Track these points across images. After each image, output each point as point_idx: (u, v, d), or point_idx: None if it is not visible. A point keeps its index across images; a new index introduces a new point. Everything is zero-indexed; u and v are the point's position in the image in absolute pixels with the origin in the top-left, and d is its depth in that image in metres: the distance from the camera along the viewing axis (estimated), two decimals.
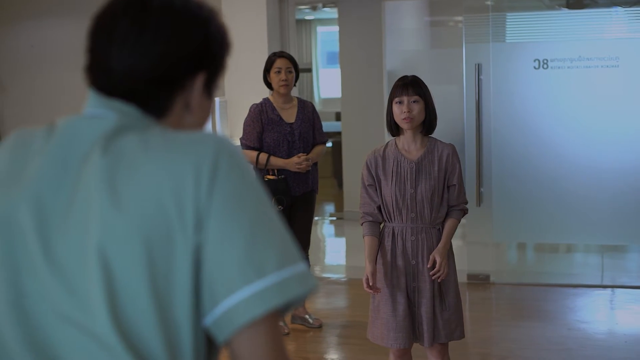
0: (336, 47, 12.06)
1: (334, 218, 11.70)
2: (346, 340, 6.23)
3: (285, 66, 6.17)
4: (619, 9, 8.75)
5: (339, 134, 11.37)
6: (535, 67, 7.41)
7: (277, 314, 1.39)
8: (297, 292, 1.38)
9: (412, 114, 4.24)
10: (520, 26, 8.12)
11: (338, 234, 11.22)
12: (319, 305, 7.03)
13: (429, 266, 4.26)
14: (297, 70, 6.29)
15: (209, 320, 1.37)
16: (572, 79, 7.38)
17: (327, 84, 16.16)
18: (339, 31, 10.59)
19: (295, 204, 6.22)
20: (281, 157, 6.11)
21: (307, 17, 15.87)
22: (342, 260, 9.72)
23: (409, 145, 4.34)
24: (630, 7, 9.08)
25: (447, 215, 4.37)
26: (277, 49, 7.41)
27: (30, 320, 1.39)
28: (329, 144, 12.19)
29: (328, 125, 13.72)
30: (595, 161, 7.40)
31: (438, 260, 4.23)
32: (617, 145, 7.36)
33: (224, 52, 1.57)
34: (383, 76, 9.98)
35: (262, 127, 6.12)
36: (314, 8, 14.13)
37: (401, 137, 4.37)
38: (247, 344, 1.36)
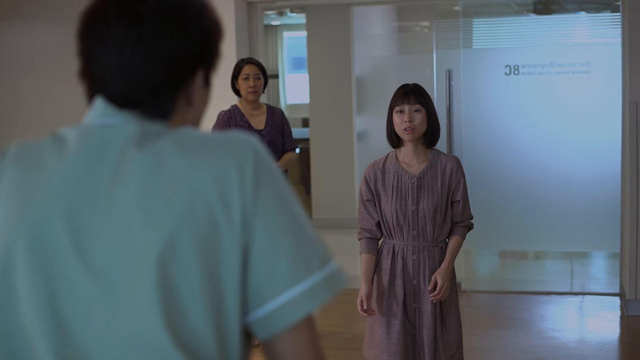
0: (302, 53, 11.99)
1: None
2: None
3: (254, 73, 6.08)
4: (583, 14, 8.75)
5: (306, 140, 11.28)
6: (506, 73, 7.37)
7: (314, 315, 1.42)
8: (338, 287, 1.42)
9: (413, 124, 4.00)
10: (491, 32, 8.09)
11: None
12: None
13: (430, 288, 4.03)
14: (266, 77, 6.20)
15: (251, 318, 1.39)
16: (543, 85, 7.35)
17: (293, 90, 16.07)
18: (307, 37, 10.51)
19: None
20: None
21: (274, 23, 15.77)
22: None
23: (410, 158, 4.10)
24: (597, 12, 9.10)
25: (450, 232, 4.14)
26: (245, 55, 7.31)
27: (71, 338, 1.36)
28: (297, 150, 12.09)
29: (295, 132, 13.61)
30: (566, 168, 7.38)
31: (439, 282, 4.00)
32: (587, 152, 7.34)
33: (219, 41, 1.54)
34: (351, 82, 9.91)
35: None
36: (281, 13, 14.03)
37: (402, 149, 4.13)
38: (291, 342, 1.39)
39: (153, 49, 1.43)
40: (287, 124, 6.31)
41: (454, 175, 4.07)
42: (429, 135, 4.08)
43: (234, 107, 6.13)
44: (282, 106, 15.79)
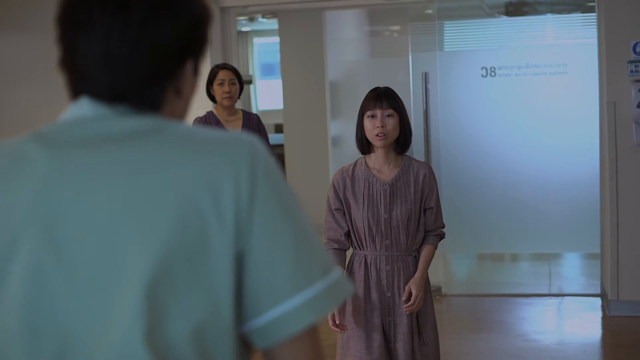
0: (273, 59, 11.92)
1: None
2: None
3: (229, 78, 6.01)
4: (555, 15, 8.75)
5: (279, 146, 11.21)
6: (482, 75, 7.33)
7: (317, 324, 1.35)
8: (341, 298, 1.36)
9: (386, 129, 3.84)
10: (466, 34, 8.05)
11: None
12: None
13: (404, 298, 3.87)
14: (241, 82, 6.13)
15: (248, 327, 1.34)
16: (520, 86, 7.33)
17: (265, 96, 15.98)
18: (280, 42, 10.44)
19: None
20: None
21: (244, 29, 15.69)
22: None
23: (381, 164, 3.94)
24: (568, 13, 9.10)
25: (423, 241, 3.99)
26: (219, 61, 7.22)
27: (52, 348, 1.30)
28: None
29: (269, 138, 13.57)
30: (544, 169, 7.35)
31: (414, 292, 3.84)
32: (564, 154, 7.32)
33: (207, 28, 1.44)
34: (325, 86, 9.85)
35: None
36: (251, 19, 13.95)
37: (372, 155, 3.96)
38: (291, 353, 1.34)
39: (141, 38, 1.34)
40: (264, 129, 6.24)
41: (427, 181, 3.93)
42: (401, 141, 3.93)
43: (210, 113, 6.05)
44: (254, 112, 15.72)
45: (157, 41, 1.35)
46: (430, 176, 3.96)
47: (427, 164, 4.04)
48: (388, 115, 3.86)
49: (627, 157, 6.51)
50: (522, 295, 7.38)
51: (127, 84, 1.35)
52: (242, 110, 6.24)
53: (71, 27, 1.37)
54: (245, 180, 1.31)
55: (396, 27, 10.88)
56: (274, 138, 12.68)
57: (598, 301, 7.04)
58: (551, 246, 7.80)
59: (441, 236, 4.05)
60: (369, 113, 3.88)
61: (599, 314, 6.74)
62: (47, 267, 1.29)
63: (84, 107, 1.37)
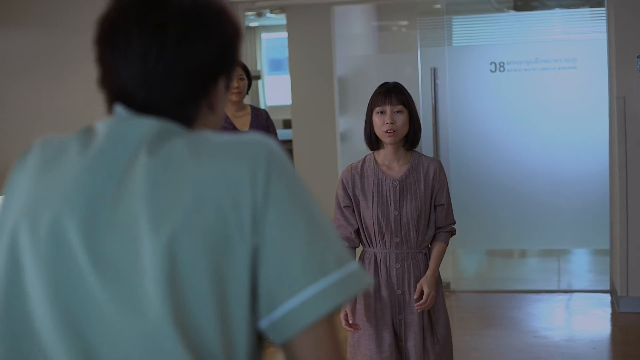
0: (281, 54, 11.90)
1: None
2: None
3: (237, 73, 5.97)
4: (563, 10, 8.72)
5: (287, 142, 11.19)
6: (491, 70, 7.30)
7: (333, 314, 1.37)
8: (357, 289, 1.38)
9: (395, 125, 3.78)
10: (475, 29, 8.02)
11: None
12: None
13: (416, 297, 3.80)
14: (250, 78, 6.10)
15: (265, 322, 1.36)
16: (529, 81, 7.29)
17: (273, 92, 15.96)
18: (288, 37, 10.41)
19: None
20: None
21: (252, 24, 15.67)
22: None
23: (391, 161, 3.88)
24: (577, 8, 9.07)
25: (434, 239, 3.93)
26: None
27: (79, 332, 1.34)
28: None
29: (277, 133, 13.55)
30: (553, 165, 7.32)
31: (426, 290, 3.78)
32: (574, 149, 7.29)
33: (239, 46, 1.51)
34: (333, 82, 9.83)
35: None
36: (259, 14, 13.93)
37: (381, 151, 3.90)
38: (309, 344, 1.35)
39: (177, 58, 1.41)
40: (272, 124, 6.22)
41: (437, 177, 3.87)
42: (411, 137, 3.87)
43: None
44: (262, 108, 15.70)
45: (192, 61, 1.42)
46: (441, 172, 3.90)
47: (437, 160, 3.97)
48: (397, 112, 3.80)
49: (637, 152, 6.47)
50: (531, 291, 7.35)
51: (162, 101, 1.43)
52: (251, 106, 6.21)
53: (110, 47, 1.43)
54: (261, 176, 1.36)
55: (404, 22, 10.87)
56: (282, 134, 12.67)
57: (607, 297, 7.01)
58: (560, 242, 7.77)
59: (452, 233, 3.98)
60: (378, 109, 3.83)
61: (609, 310, 6.71)
62: (77, 251, 1.35)
63: (119, 112, 1.45)
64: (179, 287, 1.32)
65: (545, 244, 7.91)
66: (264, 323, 1.37)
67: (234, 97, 5.95)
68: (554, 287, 7.51)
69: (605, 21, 6.95)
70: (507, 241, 7.88)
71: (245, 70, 6.06)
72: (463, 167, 7.38)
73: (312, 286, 1.34)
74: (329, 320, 1.37)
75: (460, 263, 8.37)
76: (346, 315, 3.79)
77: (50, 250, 1.37)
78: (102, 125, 1.45)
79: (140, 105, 1.43)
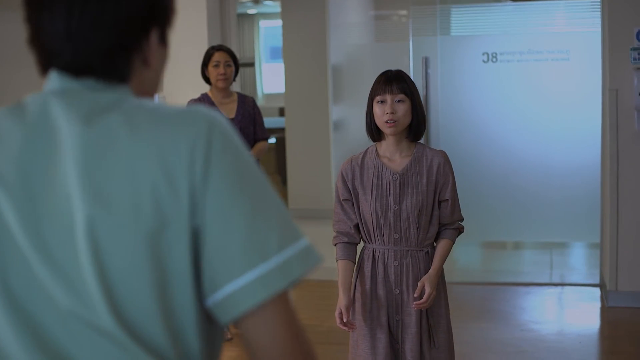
0: (279, 42, 11.85)
1: None
2: None
3: (224, 60, 5.92)
4: (553, 2, 8.65)
5: (282, 129, 11.16)
6: (484, 61, 7.25)
7: (286, 292, 1.33)
8: (300, 271, 1.33)
9: (396, 115, 3.57)
10: (468, 19, 7.96)
11: None
12: None
13: (416, 295, 3.57)
14: (237, 65, 6.05)
15: (209, 302, 1.33)
16: (521, 72, 7.25)
17: (270, 79, 15.91)
18: (283, 25, 10.38)
19: None
20: None
21: (250, 11, 15.60)
22: None
23: (392, 153, 3.68)
24: None
25: (438, 236, 3.71)
26: (217, 44, 7.15)
27: (31, 319, 1.32)
28: (273, 140, 11.95)
29: (272, 121, 13.48)
30: (545, 157, 7.27)
31: (427, 290, 3.53)
32: (566, 141, 7.24)
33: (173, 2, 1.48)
34: (327, 70, 9.78)
35: None
36: (257, 1, 13.88)
37: (383, 142, 3.70)
38: (260, 325, 1.33)
39: (101, 11, 1.36)
40: (259, 112, 6.16)
41: (441, 171, 3.66)
42: (414, 128, 3.65)
43: (204, 96, 5.98)
44: (259, 95, 15.64)
45: (117, 13, 1.37)
46: (445, 165, 3.68)
47: (443, 153, 3.74)
48: (399, 101, 3.59)
49: (629, 145, 6.41)
50: (522, 284, 7.30)
51: (90, 56, 1.37)
52: (238, 93, 6.15)
53: (36, 6, 1.39)
54: (200, 154, 1.31)
55: (403, 12, 10.80)
56: (278, 121, 12.63)
57: (598, 291, 6.96)
58: (553, 235, 7.73)
59: (460, 230, 3.75)
60: (378, 98, 3.62)
61: (598, 304, 6.66)
62: (15, 232, 1.32)
63: (54, 82, 1.40)
64: (113, 280, 1.29)
65: (538, 236, 7.87)
66: (208, 302, 1.34)
67: (220, 84, 5.90)
68: (546, 280, 7.44)
69: (599, 13, 6.88)
70: (499, 233, 7.84)
71: (233, 56, 6.00)
72: (454, 158, 7.20)
73: (250, 272, 1.30)
74: (280, 302, 1.33)
75: (452, 255, 8.31)
76: (341, 313, 3.57)
77: None
78: (32, 100, 1.41)
79: (69, 63, 1.38)
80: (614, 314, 6.40)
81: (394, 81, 3.62)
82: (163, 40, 1.46)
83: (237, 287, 1.30)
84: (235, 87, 6.69)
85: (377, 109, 3.62)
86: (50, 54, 1.40)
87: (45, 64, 1.42)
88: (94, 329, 1.30)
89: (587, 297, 6.89)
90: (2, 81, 7.64)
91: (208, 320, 1.37)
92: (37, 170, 1.33)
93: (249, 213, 1.32)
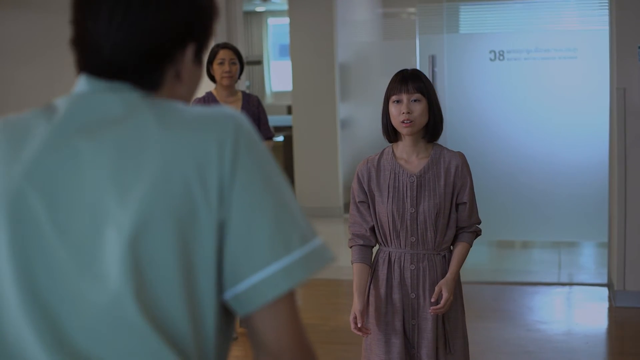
0: (287, 40, 11.82)
1: None
2: None
3: (229, 58, 5.90)
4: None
5: (290, 127, 11.13)
6: (491, 59, 7.21)
7: (294, 290, 1.41)
8: (319, 266, 1.41)
9: (412, 115, 3.49)
10: (475, 17, 7.92)
11: None
12: None
13: (433, 299, 3.50)
14: (242, 63, 6.02)
15: (229, 294, 1.39)
16: (528, 70, 7.20)
17: (279, 77, 15.86)
18: (290, 23, 10.34)
19: None
20: None
21: (258, 9, 15.57)
22: None
23: (409, 154, 3.60)
24: None
25: (455, 239, 3.64)
26: (223, 41, 7.13)
27: (45, 305, 1.37)
28: (281, 138, 11.91)
29: (280, 119, 13.45)
30: (553, 155, 7.23)
31: (445, 294, 3.46)
32: (574, 139, 7.19)
33: (212, 20, 1.55)
34: (335, 68, 9.75)
35: None
36: None
37: (399, 143, 3.62)
38: (269, 319, 1.39)
39: (139, 21, 1.44)
40: (264, 111, 6.13)
41: (459, 173, 3.58)
42: (431, 129, 3.57)
43: (209, 94, 5.96)
44: (267, 93, 15.62)
45: (154, 24, 1.45)
46: (464, 167, 3.61)
47: (461, 154, 3.66)
48: (414, 100, 3.52)
49: (636, 144, 6.36)
50: (530, 283, 7.25)
51: (126, 57, 1.45)
52: (242, 92, 6.13)
53: (83, 9, 1.48)
54: (229, 152, 1.38)
55: (411, 10, 10.77)
56: (286, 119, 12.60)
57: (605, 291, 6.91)
58: (562, 234, 7.67)
59: (477, 233, 3.69)
60: (394, 98, 3.54)
61: (606, 304, 6.61)
62: (44, 228, 1.38)
63: (83, 85, 1.48)
64: (143, 260, 1.35)
65: (546, 235, 7.82)
66: (227, 295, 1.40)
67: (224, 82, 5.87)
68: (554, 280, 7.39)
69: (607, 11, 6.83)
70: (507, 232, 7.78)
71: (238, 54, 5.98)
72: None
73: (275, 263, 1.37)
74: (290, 297, 1.40)
75: None
76: (355, 318, 3.52)
77: (17, 228, 1.39)
78: (63, 101, 1.47)
79: (104, 64, 1.45)
80: (622, 314, 6.35)
81: (409, 80, 3.54)
82: (198, 60, 1.53)
83: (262, 277, 1.37)
84: (242, 85, 6.67)
85: (392, 109, 3.54)
86: (90, 53, 1.47)
87: (83, 63, 1.49)
88: (117, 321, 1.35)
89: (595, 296, 6.85)
90: (7, 78, 7.63)
91: (223, 315, 1.43)
92: (63, 168, 1.39)
93: (273, 208, 1.39)
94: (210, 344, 1.41)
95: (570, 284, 7.23)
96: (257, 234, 1.38)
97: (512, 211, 7.39)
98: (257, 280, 1.37)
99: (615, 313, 6.40)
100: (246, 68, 15.10)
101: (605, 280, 7.10)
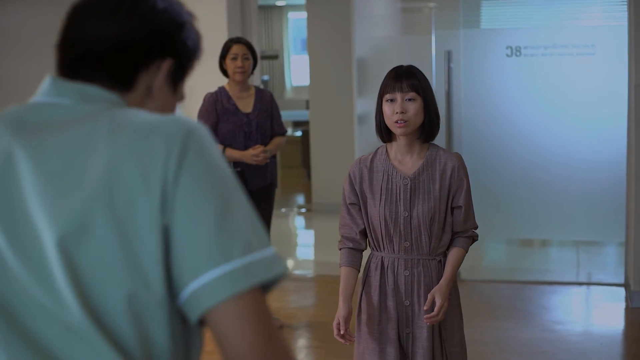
0: None
1: (304, 210, 11.35)
2: (309, 343, 5.93)
3: (242, 53, 5.84)
4: None
5: (307, 123, 11.09)
6: (507, 55, 7.11)
7: (254, 294, 1.38)
8: (263, 277, 1.39)
9: (406, 115, 3.32)
10: (492, 12, 7.84)
11: (307, 227, 10.89)
12: (283, 303, 6.72)
13: (426, 308, 3.35)
14: (255, 58, 5.96)
15: (180, 300, 1.40)
16: (546, 67, 7.10)
17: (299, 71, 15.81)
18: (308, 17, 10.31)
19: (253, 198, 5.84)
20: (237, 148, 5.76)
21: (278, 3, 15.53)
22: (310, 255, 9.39)
23: (403, 155, 3.44)
24: None
25: (451, 244, 3.48)
26: (236, 35, 7.07)
27: (12, 312, 1.40)
28: (299, 133, 11.87)
29: (299, 114, 13.39)
30: (570, 153, 7.13)
31: (438, 302, 3.32)
32: (593, 136, 7.09)
33: (195, 52, 1.61)
34: (352, 63, 9.68)
35: (217, 117, 5.78)
36: None
37: (393, 144, 3.45)
38: (222, 325, 1.38)
39: (126, 18, 1.52)
40: (277, 107, 6.06)
41: (455, 175, 3.42)
42: (426, 129, 3.40)
43: (221, 89, 5.90)
44: (287, 88, 15.57)
45: (139, 24, 1.53)
46: (460, 169, 3.43)
47: (457, 155, 3.49)
48: (409, 99, 3.34)
49: None
50: (547, 282, 7.17)
51: (102, 47, 1.52)
52: (255, 87, 6.07)
53: (77, 11, 1.57)
54: (175, 158, 1.38)
55: (433, 4, 10.67)
56: (304, 114, 12.54)
57: (623, 291, 6.81)
58: (581, 233, 7.57)
59: (473, 239, 3.53)
60: (387, 96, 3.37)
61: (623, 305, 6.52)
62: None
63: (45, 87, 1.53)
64: (80, 262, 1.36)
65: (565, 234, 7.72)
66: (179, 301, 1.40)
67: (237, 77, 5.82)
68: (572, 279, 7.30)
69: (625, 7, 6.73)
70: (525, 231, 7.69)
71: (251, 49, 5.91)
72: (477, 154, 7.20)
73: (212, 270, 1.36)
74: (243, 305, 1.37)
75: (477, 251, 8.18)
76: (338, 324, 3.38)
77: None
78: (9, 110, 1.51)
79: (83, 58, 1.52)
80: (638, 315, 6.26)
81: (404, 78, 3.36)
82: (173, 81, 1.59)
83: (200, 284, 1.36)
84: (256, 79, 6.59)
85: (386, 108, 3.38)
86: (69, 44, 1.55)
87: (60, 60, 1.56)
88: (65, 325, 1.37)
89: (612, 297, 6.75)
90: (12, 71, 7.61)
91: (183, 322, 1.43)
92: (9, 170, 1.42)
93: (216, 216, 1.38)
94: (164, 351, 1.41)
95: (588, 284, 7.15)
96: (196, 240, 1.37)
97: (531, 209, 7.30)
98: (196, 287, 1.37)
99: (631, 314, 6.31)
100: (266, 62, 15.12)
101: (622, 281, 7.00)
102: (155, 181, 1.37)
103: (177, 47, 1.57)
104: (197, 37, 1.63)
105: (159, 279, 1.38)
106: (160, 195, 1.37)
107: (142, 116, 1.45)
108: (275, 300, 6.62)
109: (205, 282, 1.36)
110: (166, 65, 1.55)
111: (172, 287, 1.40)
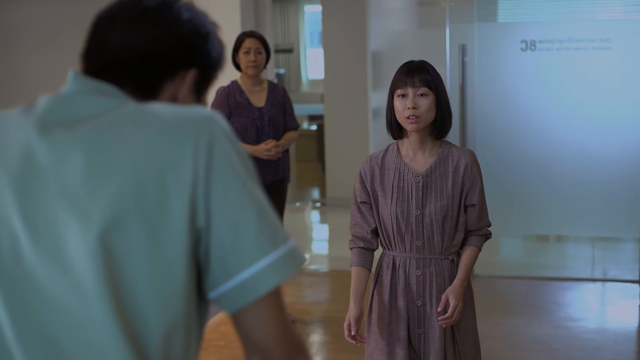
0: None
1: (318, 204, 11.33)
2: (321, 338, 5.91)
3: (255, 47, 5.81)
4: None
5: (321, 117, 11.05)
6: (522, 49, 7.05)
7: (280, 288, 1.45)
8: (300, 263, 1.45)
9: (418, 111, 3.26)
10: (507, 6, 7.77)
11: (321, 222, 10.87)
12: (296, 298, 6.71)
13: (440, 309, 3.30)
14: (268, 51, 5.93)
15: (216, 293, 1.43)
16: (561, 61, 7.04)
17: (315, 65, 15.77)
18: (322, 10, 10.27)
19: (265, 193, 5.84)
20: (249, 143, 5.75)
21: None
22: (324, 250, 9.37)
23: (415, 151, 3.38)
24: None
25: (464, 243, 3.43)
26: (250, 29, 7.05)
27: (25, 307, 1.39)
28: (314, 127, 11.83)
29: (315, 108, 13.35)
30: (586, 148, 7.06)
31: (452, 302, 3.26)
32: (609, 131, 7.02)
33: (219, 62, 1.63)
34: (367, 57, 9.64)
35: (229, 111, 5.76)
36: None
37: (405, 140, 3.40)
38: (257, 316, 1.43)
39: (152, 27, 1.54)
40: (289, 101, 6.04)
41: (468, 173, 3.35)
42: (438, 125, 3.34)
43: (234, 83, 5.88)
44: (304, 81, 15.54)
45: (165, 34, 1.55)
46: (473, 167, 3.37)
47: (470, 152, 3.42)
48: (421, 95, 3.28)
49: None
50: (562, 279, 7.12)
51: (128, 56, 1.53)
52: (268, 81, 6.04)
53: (102, 20, 1.58)
54: (203, 155, 1.40)
55: None
56: (319, 108, 12.51)
57: (638, 288, 6.76)
58: (598, 229, 7.50)
59: (487, 237, 3.47)
60: (399, 92, 3.30)
61: (637, 302, 6.47)
62: (16, 226, 1.40)
63: (70, 84, 1.53)
64: (114, 254, 1.36)
65: (581, 230, 7.65)
66: (214, 294, 1.43)
67: (250, 71, 5.80)
68: (587, 275, 7.25)
69: None
70: (539, 226, 7.63)
71: (264, 43, 5.89)
72: (491, 148, 7.15)
73: (264, 259, 1.40)
74: (277, 293, 1.44)
75: (493, 247, 8.14)
76: (349, 324, 3.33)
77: None
78: (45, 98, 1.50)
79: (109, 65, 1.53)
80: None
81: (415, 73, 3.30)
82: (197, 91, 1.61)
83: (252, 273, 1.40)
84: (270, 73, 6.57)
85: (397, 103, 3.31)
86: (94, 52, 1.56)
87: (85, 71, 1.56)
88: (85, 319, 1.37)
89: (626, 294, 6.71)
90: (22, 64, 7.61)
91: (195, 315, 1.46)
92: (36, 162, 1.42)
93: (255, 210, 1.42)
94: (177, 344, 1.43)
95: (603, 280, 7.10)
96: (244, 234, 1.40)
97: (546, 204, 7.24)
98: (247, 276, 1.40)
99: None
100: (281, 56, 15.09)
101: (637, 277, 6.95)
102: (185, 178, 1.39)
103: (201, 58, 1.59)
104: (220, 47, 1.65)
105: (182, 271, 1.40)
106: (191, 192, 1.39)
107: (165, 110, 1.46)
108: (289, 295, 6.61)
109: (258, 270, 1.40)
110: (191, 76, 1.58)
111: (201, 282, 1.44)
